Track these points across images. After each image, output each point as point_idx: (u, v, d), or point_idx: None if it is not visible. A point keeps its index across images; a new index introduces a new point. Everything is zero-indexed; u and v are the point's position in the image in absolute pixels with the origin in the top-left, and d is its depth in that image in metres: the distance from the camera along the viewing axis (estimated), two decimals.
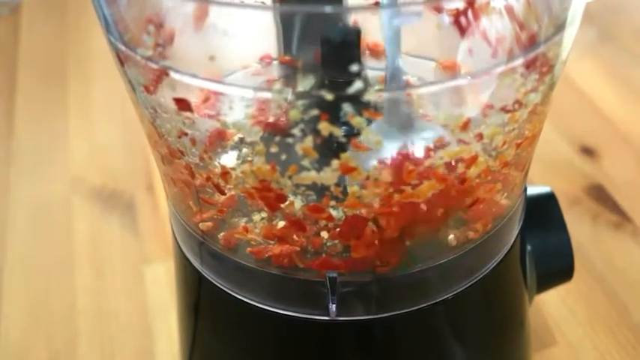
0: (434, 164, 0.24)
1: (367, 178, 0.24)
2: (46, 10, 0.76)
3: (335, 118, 0.23)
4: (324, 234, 0.27)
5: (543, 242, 0.34)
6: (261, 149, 0.24)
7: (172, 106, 0.24)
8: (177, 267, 0.33)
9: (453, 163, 0.24)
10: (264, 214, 0.28)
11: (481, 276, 0.29)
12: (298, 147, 0.24)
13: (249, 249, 0.27)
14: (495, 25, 0.26)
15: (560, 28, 0.25)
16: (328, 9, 0.21)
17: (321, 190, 0.24)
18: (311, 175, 0.24)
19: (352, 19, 0.24)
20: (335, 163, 0.23)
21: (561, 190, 0.49)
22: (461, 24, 0.25)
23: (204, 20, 0.25)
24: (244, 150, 0.30)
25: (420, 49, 0.31)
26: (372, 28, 0.26)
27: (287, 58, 0.30)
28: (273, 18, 0.26)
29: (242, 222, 0.28)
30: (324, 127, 0.23)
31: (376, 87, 0.28)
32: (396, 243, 0.26)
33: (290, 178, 0.24)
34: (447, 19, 0.25)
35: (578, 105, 0.59)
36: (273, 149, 0.24)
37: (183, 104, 0.24)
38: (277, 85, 0.29)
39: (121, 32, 0.25)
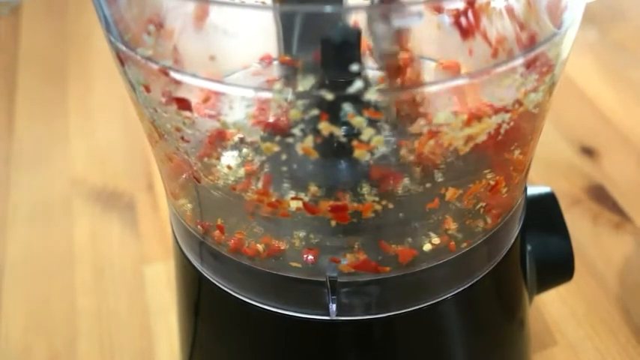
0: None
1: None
2: (46, 10, 0.76)
3: (335, 117, 0.23)
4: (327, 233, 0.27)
5: (543, 242, 0.34)
6: (268, 146, 0.24)
7: (173, 106, 0.24)
8: (177, 267, 0.33)
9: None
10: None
11: (481, 276, 0.29)
12: (298, 147, 0.24)
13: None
14: (495, 26, 0.26)
15: (560, 28, 0.25)
16: (328, 9, 0.21)
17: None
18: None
19: (352, 19, 0.24)
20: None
21: (561, 190, 0.50)
22: (461, 25, 0.25)
23: (205, 20, 0.25)
24: (244, 150, 0.30)
25: (421, 49, 0.31)
26: None
27: (287, 57, 0.30)
28: (273, 18, 0.26)
29: (243, 222, 0.28)
30: (325, 127, 0.23)
31: (376, 87, 0.28)
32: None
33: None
34: (447, 19, 0.25)
35: (578, 105, 0.59)
36: (274, 149, 0.24)
37: (183, 104, 0.24)
38: (277, 85, 0.29)
39: (121, 32, 0.25)
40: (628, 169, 0.52)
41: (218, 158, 0.29)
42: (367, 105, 0.23)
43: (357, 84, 0.22)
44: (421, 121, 0.24)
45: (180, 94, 0.24)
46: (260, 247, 0.27)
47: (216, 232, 0.28)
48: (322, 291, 0.27)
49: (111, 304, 0.45)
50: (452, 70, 0.30)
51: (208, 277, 0.29)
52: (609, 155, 0.54)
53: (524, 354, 0.35)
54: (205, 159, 0.28)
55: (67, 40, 0.72)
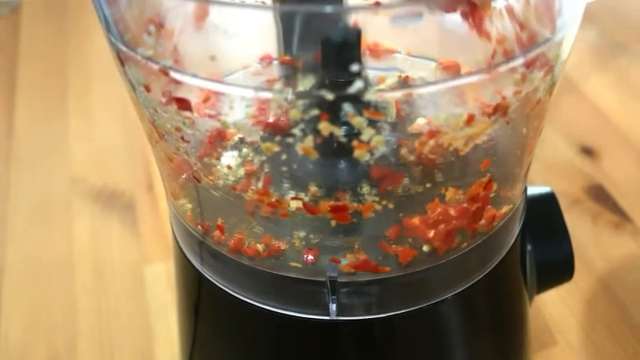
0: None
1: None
2: (46, 10, 0.76)
3: (335, 117, 0.23)
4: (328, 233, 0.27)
5: (543, 242, 0.34)
6: (268, 146, 0.24)
7: (173, 106, 0.24)
8: (177, 267, 0.33)
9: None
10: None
11: (481, 276, 0.29)
12: (298, 147, 0.24)
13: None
14: (496, 25, 0.26)
15: (560, 28, 0.25)
16: (328, 9, 0.21)
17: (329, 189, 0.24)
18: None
19: (352, 19, 0.24)
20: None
21: (561, 190, 0.49)
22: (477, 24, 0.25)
23: (205, 20, 0.25)
24: (244, 150, 0.30)
25: (421, 49, 0.31)
26: (373, 27, 0.26)
27: (287, 57, 0.30)
28: (273, 18, 0.26)
29: (243, 222, 0.28)
30: (325, 127, 0.23)
31: (376, 87, 0.28)
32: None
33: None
34: (448, 19, 0.25)
35: (578, 105, 0.59)
36: (275, 149, 0.24)
37: (183, 104, 0.24)
38: (277, 85, 0.29)
39: (121, 32, 0.25)
40: (628, 169, 0.52)
41: (218, 158, 0.29)
42: (367, 105, 0.23)
43: (358, 84, 0.22)
44: (421, 121, 0.24)
45: (181, 94, 0.24)
46: (260, 247, 0.27)
47: (216, 232, 0.28)
48: (322, 291, 0.27)
49: (111, 304, 0.45)
50: (452, 70, 0.30)
51: (208, 277, 0.29)
52: (609, 155, 0.54)
53: (524, 354, 0.35)
54: (205, 159, 0.28)
55: (67, 40, 0.72)
